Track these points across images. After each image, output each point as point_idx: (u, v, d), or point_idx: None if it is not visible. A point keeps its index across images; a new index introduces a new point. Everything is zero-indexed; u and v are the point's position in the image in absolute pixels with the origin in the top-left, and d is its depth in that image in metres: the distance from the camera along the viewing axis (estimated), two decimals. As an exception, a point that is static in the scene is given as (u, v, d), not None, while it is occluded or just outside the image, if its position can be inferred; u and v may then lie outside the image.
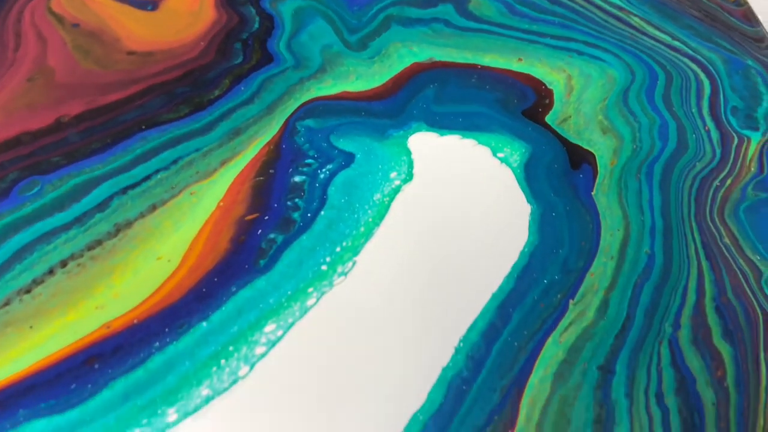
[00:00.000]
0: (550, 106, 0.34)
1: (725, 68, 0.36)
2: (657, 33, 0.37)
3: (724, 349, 0.26)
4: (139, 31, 0.34)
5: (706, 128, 0.33)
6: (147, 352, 0.24)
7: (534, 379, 0.25)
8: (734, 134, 0.33)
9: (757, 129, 0.34)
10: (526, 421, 0.24)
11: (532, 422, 0.24)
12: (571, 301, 0.27)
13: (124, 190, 0.28)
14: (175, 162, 0.30)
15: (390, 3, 0.37)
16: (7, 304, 0.25)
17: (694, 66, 0.36)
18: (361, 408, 0.24)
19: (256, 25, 0.35)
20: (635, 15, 0.38)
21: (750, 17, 0.39)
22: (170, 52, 0.33)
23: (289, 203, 0.29)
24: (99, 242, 0.27)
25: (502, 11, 0.37)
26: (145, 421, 0.23)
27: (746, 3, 0.40)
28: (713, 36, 0.38)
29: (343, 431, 0.23)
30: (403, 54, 0.35)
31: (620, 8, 0.39)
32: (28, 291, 0.25)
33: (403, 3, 0.37)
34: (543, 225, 0.29)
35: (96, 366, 0.24)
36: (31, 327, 0.24)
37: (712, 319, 0.27)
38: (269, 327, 0.25)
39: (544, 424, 0.24)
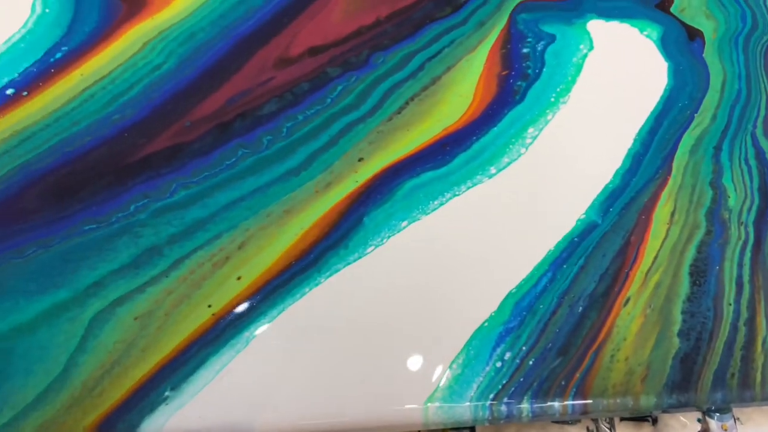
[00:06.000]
0: (671, 2, 0.52)
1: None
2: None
3: None
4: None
5: (772, 13, 0.52)
6: (467, 146, 0.45)
7: (678, 150, 0.46)
8: (790, 16, 0.52)
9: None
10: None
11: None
12: (696, 114, 0.47)
13: (429, 59, 0.48)
14: (451, 43, 0.49)
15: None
16: (393, 117, 0.45)
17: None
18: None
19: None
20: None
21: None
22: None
23: (524, 65, 0.49)
24: (425, 88, 0.47)
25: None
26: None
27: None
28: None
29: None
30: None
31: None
32: (399, 112, 0.46)
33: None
34: (676, 74, 0.49)
35: (447, 148, 0.44)
36: (408, 131, 0.45)
37: (776, 122, 0.47)
38: (530, 130, 0.46)
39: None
